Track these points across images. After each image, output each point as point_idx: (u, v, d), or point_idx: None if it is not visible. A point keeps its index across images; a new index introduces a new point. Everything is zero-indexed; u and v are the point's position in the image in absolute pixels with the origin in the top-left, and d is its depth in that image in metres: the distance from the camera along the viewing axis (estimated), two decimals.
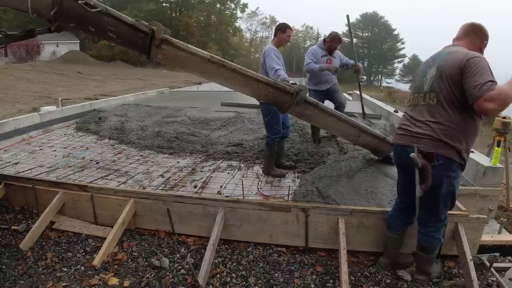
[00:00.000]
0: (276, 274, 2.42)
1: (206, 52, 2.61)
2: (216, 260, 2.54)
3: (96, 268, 2.42)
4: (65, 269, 2.43)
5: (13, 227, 2.77)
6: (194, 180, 3.54)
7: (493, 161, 3.50)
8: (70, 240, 2.80)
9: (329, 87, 4.62)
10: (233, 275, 2.41)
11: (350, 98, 12.20)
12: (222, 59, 2.66)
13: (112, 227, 2.74)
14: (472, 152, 3.66)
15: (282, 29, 3.59)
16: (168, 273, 2.39)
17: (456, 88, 1.96)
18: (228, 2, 48.95)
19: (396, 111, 6.93)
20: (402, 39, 61.09)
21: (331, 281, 2.39)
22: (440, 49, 2.24)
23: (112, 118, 6.23)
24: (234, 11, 50.71)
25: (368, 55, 58.84)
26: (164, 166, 3.98)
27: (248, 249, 2.70)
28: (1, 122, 4.87)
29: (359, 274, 2.46)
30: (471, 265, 2.29)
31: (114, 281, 2.30)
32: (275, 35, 3.65)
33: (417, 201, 2.07)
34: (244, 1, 49.82)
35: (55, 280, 2.31)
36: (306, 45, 67.35)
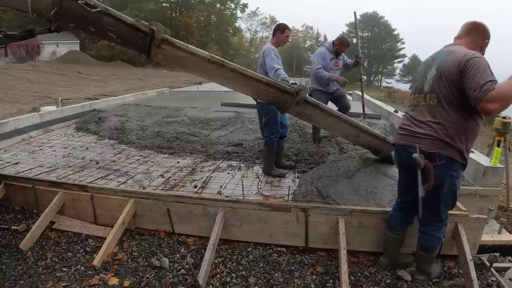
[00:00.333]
0: (276, 274, 2.42)
1: (206, 52, 2.61)
2: (216, 260, 2.54)
3: (96, 268, 2.42)
4: (65, 269, 2.43)
5: (13, 227, 2.77)
6: (194, 180, 3.54)
7: (493, 161, 3.50)
8: (70, 240, 2.80)
9: (335, 89, 4.65)
10: (233, 275, 2.41)
11: (350, 98, 12.20)
12: (222, 59, 2.65)
13: (112, 227, 2.74)
14: (472, 152, 3.66)
15: (281, 29, 3.60)
16: (168, 273, 2.39)
17: (455, 88, 1.96)
18: (228, 2, 48.93)
19: (396, 111, 6.93)
20: (402, 39, 61.17)
21: (331, 281, 2.39)
22: (440, 48, 2.23)
23: (112, 118, 6.23)
24: (234, 11, 50.72)
25: (368, 55, 58.77)
26: (164, 166, 3.98)
27: (248, 249, 2.70)
28: (1, 122, 4.87)
29: (359, 274, 2.46)
30: (471, 265, 2.29)
31: (114, 281, 2.30)
32: (273, 35, 3.65)
33: (420, 201, 2.07)
34: (244, 1, 49.83)
35: (55, 280, 2.31)
36: (306, 45, 67.41)
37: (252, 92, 2.94)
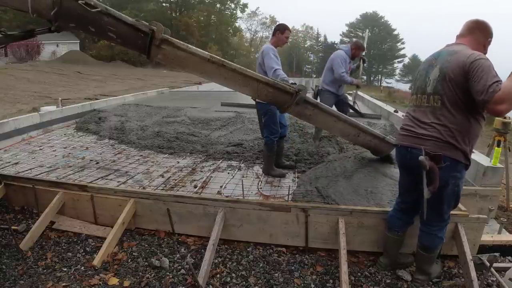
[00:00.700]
0: (276, 274, 2.42)
1: (206, 52, 2.61)
2: (216, 260, 2.54)
3: (96, 268, 2.42)
4: (65, 269, 2.43)
5: (13, 227, 2.77)
6: (194, 180, 3.54)
7: (493, 161, 3.50)
8: (70, 240, 2.80)
9: (342, 93, 4.87)
10: (233, 275, 2.41)
11: (350, 97, 12.18)
12: (222, 59, 2.65)
13: (112, 227, 2.74)
14: (472, 152, 3.65)
15: (281, 30, 3.60)
16: (168, 273, 2.39)
17: (460, 90, 1.95)
18: (228, 2, 48.95)
19: (396, 111, 6.93)
20: (402, 39, 61.16)
21: (331, 281, 2.39)
22: (442, 47, 2.21)
23: (112, 118, 6.23)
24: (234, 11, 50.75)
25: (368, 55, 58.79)
26: (164, 166, 3.98)
27: (248, 249, 2.70)
28: (1, 122, 4.87)
29: (359, 274, 2.47)
30: (471, 265, 2.29)
31: (114, 281, 2.30)
32: (273, 35, 3.65)
33: (425, 203, 2.06)
34: (244, 1, 49.86)
35: (55, 280, 2.31)
36: (306, 45, 67.42)
37: (252, 92, 2.94)
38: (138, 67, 34.46)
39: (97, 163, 4.02)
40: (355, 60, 4.90)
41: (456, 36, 2.23)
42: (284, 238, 2.72)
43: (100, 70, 26.37)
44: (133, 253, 2.62)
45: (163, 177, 3.62)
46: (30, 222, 2.99)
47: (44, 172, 3.67)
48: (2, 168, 3.80)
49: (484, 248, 2.69)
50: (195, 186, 3.36)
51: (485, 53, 2.11)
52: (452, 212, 2.41)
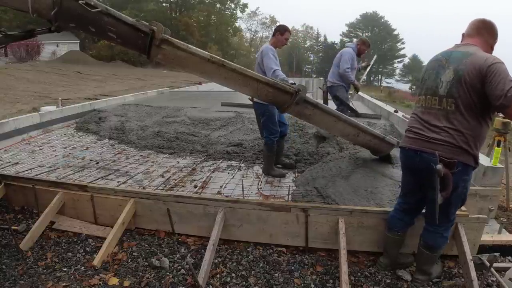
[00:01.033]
0: (276, 274, 2.42)
1: (206, 52, 2.61)
2: (216, 260, 2.54)
3: (96, 268, 2.42)
4: (65, 269, 2.43)
5: (13, 227, 2.77)
6: (194, 180, 3.54)
7: (493, 161, 3.50)
8: (70, 240, 2.80)
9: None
10: (233, 275, 2.41)
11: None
12: (222, 59, 2.65)
13: (112, 227, 2.74)
14: None
15: (281, 31, 3.60)
16: (168, 273, 2.39)
17: (475, 94, 1.93)
18: (228, 2, 48.93)
19: (396, 111, 6.92)
20: (402, 39, 61.12)
21: (331, 281, 2.39)
22: (450, 47, 2.16)
23: (112, 118, 6.23)
24: (234, 11, 50.73)
25: (368, 55, 58.76)
26: (164, 166, 3.98)
27: (248, 249, 2.70)
28: (1, 122, 4.87)
29: (359, 274, 2.47)
30: (471, 265, 2.29)
31: (114, 281, 2.31)
32: (273, 35, 3.65)
33: (437, 208, 2.05)
34: (244, 1, 49.85)
35: (55, 280, 2.31)
36: (306, 45, 67.38)
37: (252, 92, 2.94)
38: (138, 67, 34.46)
39: (97, 163, 4.02)
40: (360, 58, 4.99)
41: (463, 36, 2.19)
42: (284, 238, 2.72)
43: (100, 70, 26.37)
44: (133, 253, 2.62)
45: (163, 177, 3.62)
46: (30, 222, 2.99)
47: (44, 172, 3.67)
48: (2, 168, 3.80)
49: (484, 248, 2.69)
50: (195, 186, 3.37)
51: (491, 54, 2.10)
52: None
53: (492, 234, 2.95)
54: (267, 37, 59.16)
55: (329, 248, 2.69)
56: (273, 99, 2.94)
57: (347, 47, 4.89)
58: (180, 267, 2.46)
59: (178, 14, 44.88)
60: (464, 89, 1.95)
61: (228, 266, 2.51)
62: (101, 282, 2.29)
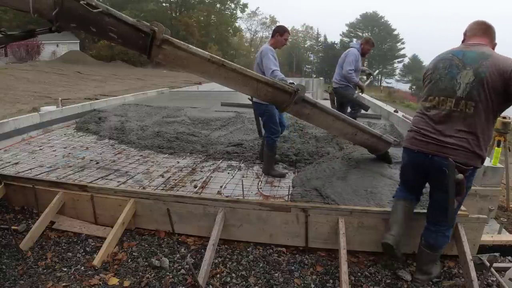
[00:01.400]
0: (276, 274, 2.42)
1: (207, 52, 2.61)
2: (216, 260, 2.54)
3: (96, 268, 2.42)
4: (65, 269, 2.43)
5: (13, 227, 2.77)
6: (194, 180, 3.54)
7: (493, 161, 3.50)
8: (70, 240, 2.80)
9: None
10: (233, 275, 2.41)
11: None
12: (222, 59, 2.66)
13: (112, 227, 2.74)
14: None
15: (281, 32, 3.61)
16: (168, 273, 2.40)
17: (496, 96, 1.92)
18: (228, 2, 48.93)
19: (396, 111, 6.93)
20: (402, 39, 61.07)
21: (331, 281, 2.39)
22: (460, 46, 2.13)
23: (112, 118, 6.23)
24: (234, 11, 50.71)
25: (369, 55, 58.83)
26: (164, 166, 3.98)
27: (248, 249, 2.70)
28: (1, 122, 4.87)
29: (359, 274, 2.47)
30: (471, 265, 2.29)
31: (114, 281, 2.31)
32: (273, 36, 3.66)
33: (451, 213, 2.06)
34: (244, 1, 49.84)
35: (55, 280, 2.31)
36: (306, 45, 67.36)
37: (251, 91, 2.95)
38: (138, 67, 34.46)
39: (97, 163, 4.02)
40: (365, 57, 4.98)
41: (465, 36, 2.17)
42: (284, 238, 2.72)
43: (100, 70, 26.37)
44: (133, 253, 2.62)
45: (163, 177, 3.62)
46: (30, 222, 3.00)
47: (44, 172, 3.67)
48: (2, 168, 3.80)
49: (484, 248, 2.69)
50: (195, 186, 3.37)
51: None
52: None
53: (492, 234, 2.95)
54: (267, 37, 59.20)
55: (329, 248, 2.69)
56: (272, 98, 2.95)
57: (351, 47, 4.85)
58: (180, 267, 2.46)
59: (178, 14, 44.88)
60: (486, 91, 1.92)
61: (228, 266, 2.51)
62: (101, 282, 2.29)
